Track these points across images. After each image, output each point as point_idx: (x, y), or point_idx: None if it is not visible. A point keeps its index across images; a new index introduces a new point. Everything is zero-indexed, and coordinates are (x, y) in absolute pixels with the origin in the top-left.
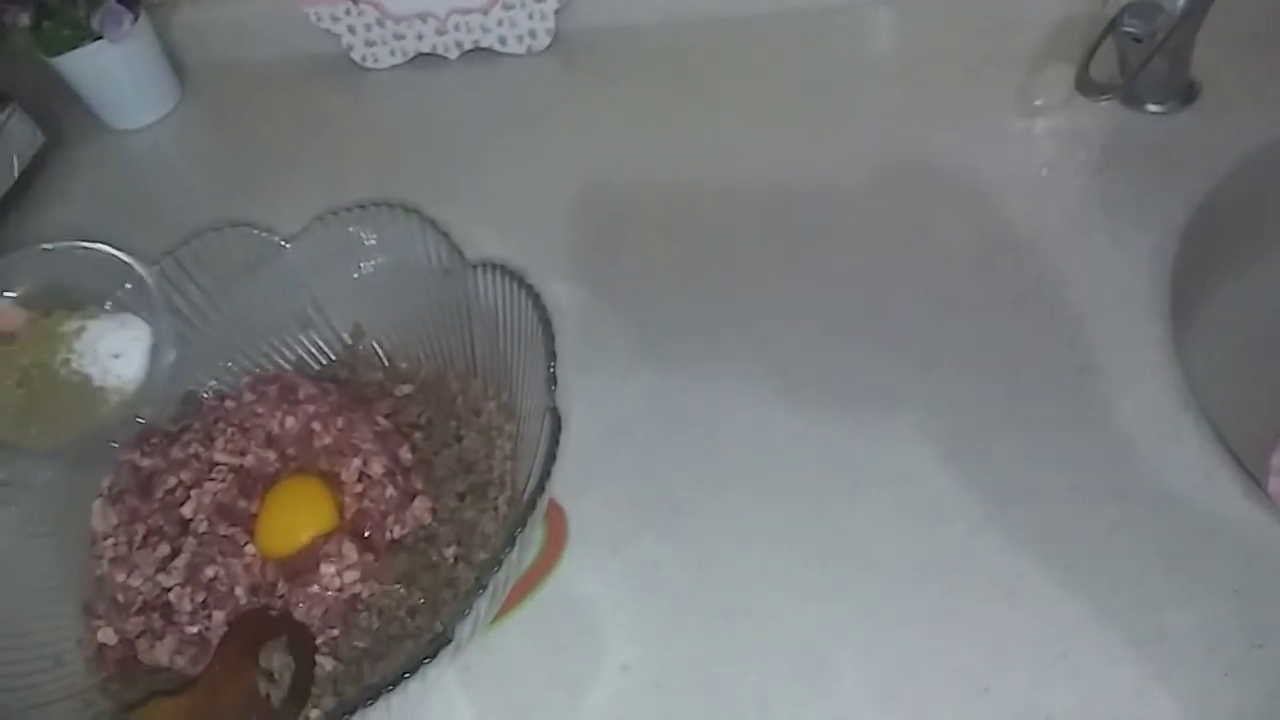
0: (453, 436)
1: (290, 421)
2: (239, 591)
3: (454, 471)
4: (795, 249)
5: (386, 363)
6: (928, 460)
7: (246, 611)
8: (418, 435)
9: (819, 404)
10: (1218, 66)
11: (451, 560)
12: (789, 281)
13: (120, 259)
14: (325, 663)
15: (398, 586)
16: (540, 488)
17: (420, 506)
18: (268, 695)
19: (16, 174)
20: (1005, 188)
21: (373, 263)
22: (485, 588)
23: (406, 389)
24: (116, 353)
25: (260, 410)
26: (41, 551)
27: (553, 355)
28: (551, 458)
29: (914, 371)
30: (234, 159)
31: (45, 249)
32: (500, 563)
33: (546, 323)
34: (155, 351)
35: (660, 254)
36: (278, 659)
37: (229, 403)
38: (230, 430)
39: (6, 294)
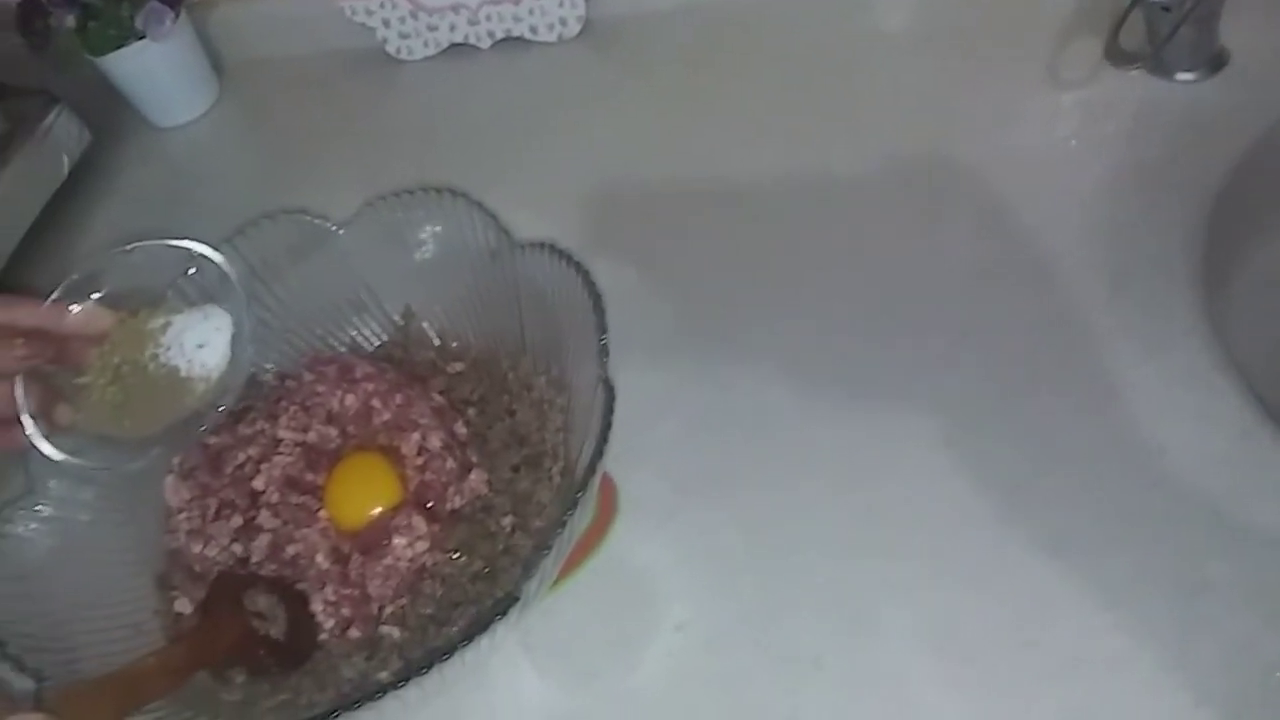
0: (505, 411)
1: (350, 399)
2: (320, 559)
3: (508, 444)
4: (830, 225)
5: (438, 342)
6: (969, 423)
7: (220, 573)
8: (471, 411)
9: (861, 372)
10: (1246, 33)
11: (509, 529)
12: (826, 256)
13: (201, 253)
14: (392, 631)
15: (459, 555)
16: (599, 452)
17: (477, 478)
18: (267, 632)
19: (66, 172)
20: (1036, 160)
21: (422, 246)
22: (550, 548)
23: (458, 366)
24: (201, 343)
25: (320, 389)
26: (118, 527)
27: (604, 328)
28: (608, 425)
29: (953, 338)
30: (274, 152)
31: (125, 250)
32: (564, 523)
33: (597, 297)
34: (236, 339)
35: (698, 233)
36: (262, 600)
37: (289, 382)
38: (292, 408)
39: (93, 296)
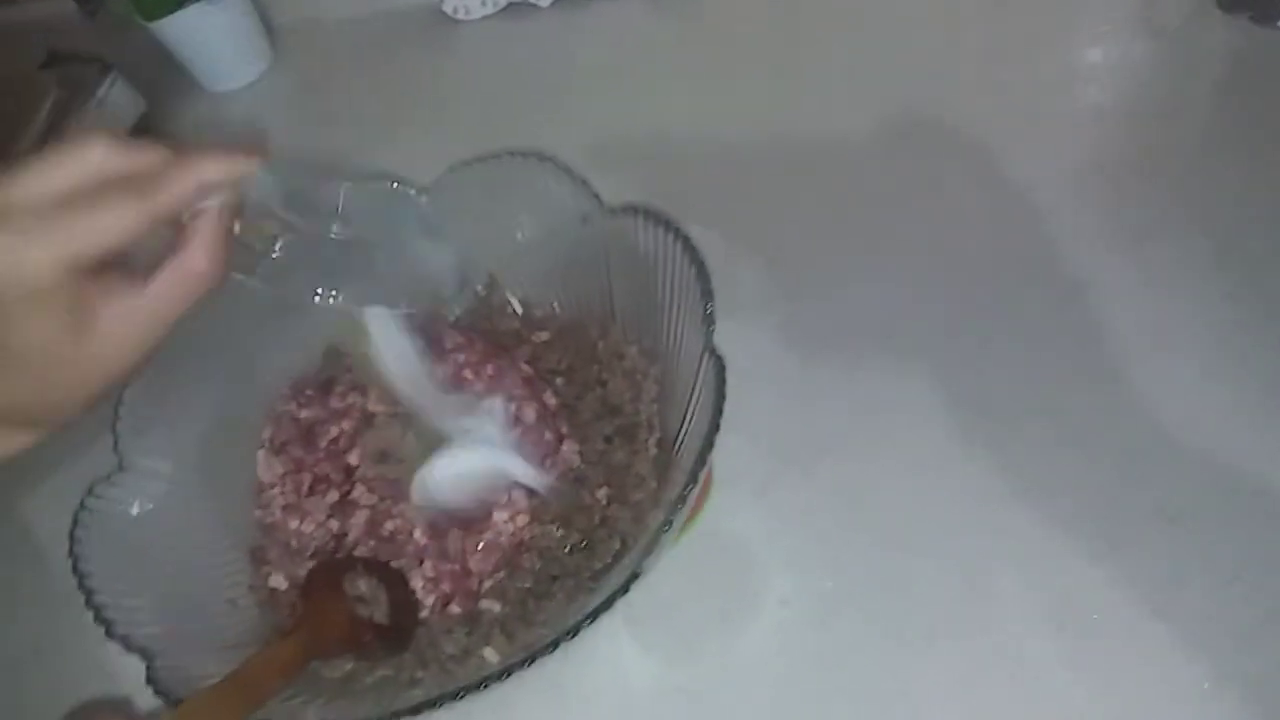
0: (595, 381)
1: (440, 370)
2: (418, 535)
3: (599, 415)
4: (917, 179)
5: (521, 311)
6: (1082, 391)
7: (317, 563)
8: (559, 381)
9: (964, 335)
10: None
11: (605, 501)
12: (918, 212)
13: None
14: (493, 606)
15: (556, 528)
16: (714, 425)
17: (569, 449)
18: (370, 616)
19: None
20: (1134, 110)
21: (507, 212)
22: (671, 523)
23: (544, 335)
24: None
25: None
26: (209, 500)
27: (709, 295)
28: (721, 397)
29: (1060, 299)
30: (331, 117)
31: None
32: (684, 498)
33: (699, 264)
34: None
35: (780, 192)
36: (362, 583)
37: None
38: None
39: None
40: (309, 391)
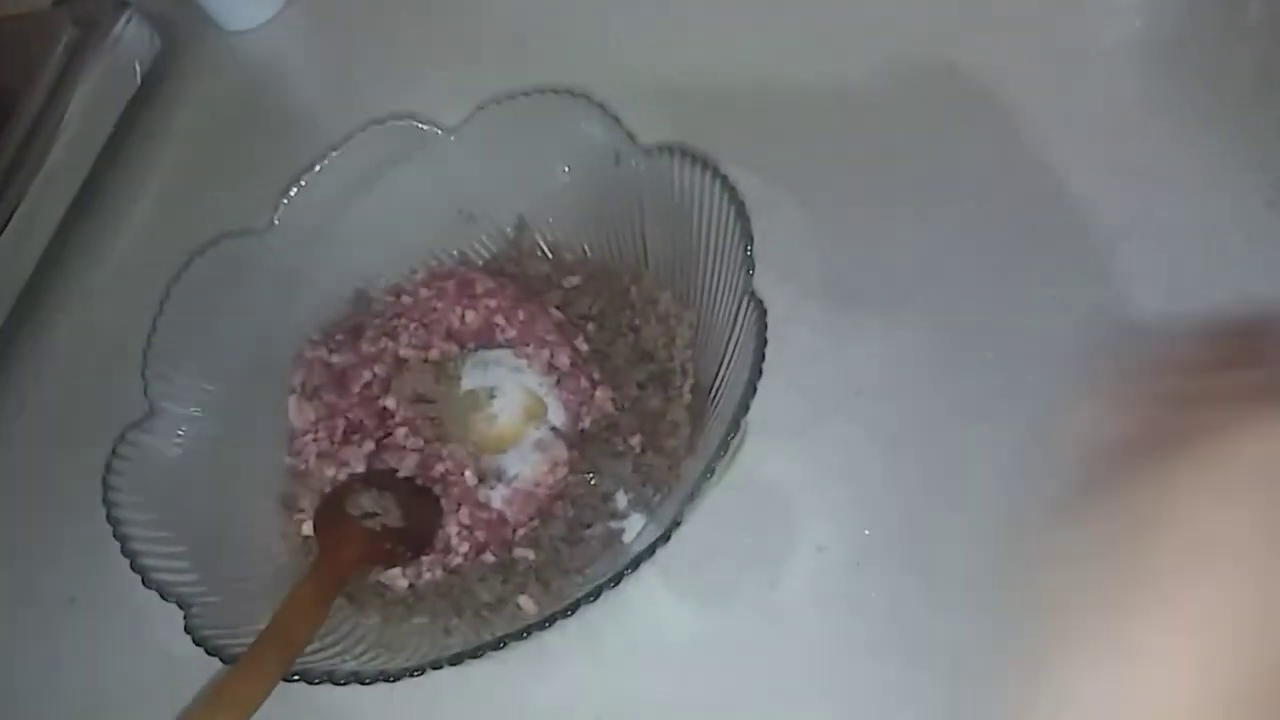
0: (627, 326)
1: (471, 315)
2: (468, 476)
3: (631, 361)
4: (966, 120)
5: (551, 255)
6: (1134, 335)
7: (320, 502)
8: (590, 326)
9: (1005, 280)
10: None
11: (638, 448)
12: (964, 154)
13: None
14: (527, 553)
15: (589, 475)
16: (757, 371)
17: (602, 396)
18: (384, 525)
19: (140, 80)
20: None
21: (537, 151)
22: (713, 471)
23: (574, 280)
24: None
25: (438, 305)
26: (238, 445)
27: (749, 238)
28: (763, 343)
29: (1110, 240)
30: (352, 55)
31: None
32: (727, 445)
33: (739, 205)
34: None
35: (818, 131)
36: (365, 499)
37: (405, 298)
38: (412, 325)
39: None
40: (339, 336)
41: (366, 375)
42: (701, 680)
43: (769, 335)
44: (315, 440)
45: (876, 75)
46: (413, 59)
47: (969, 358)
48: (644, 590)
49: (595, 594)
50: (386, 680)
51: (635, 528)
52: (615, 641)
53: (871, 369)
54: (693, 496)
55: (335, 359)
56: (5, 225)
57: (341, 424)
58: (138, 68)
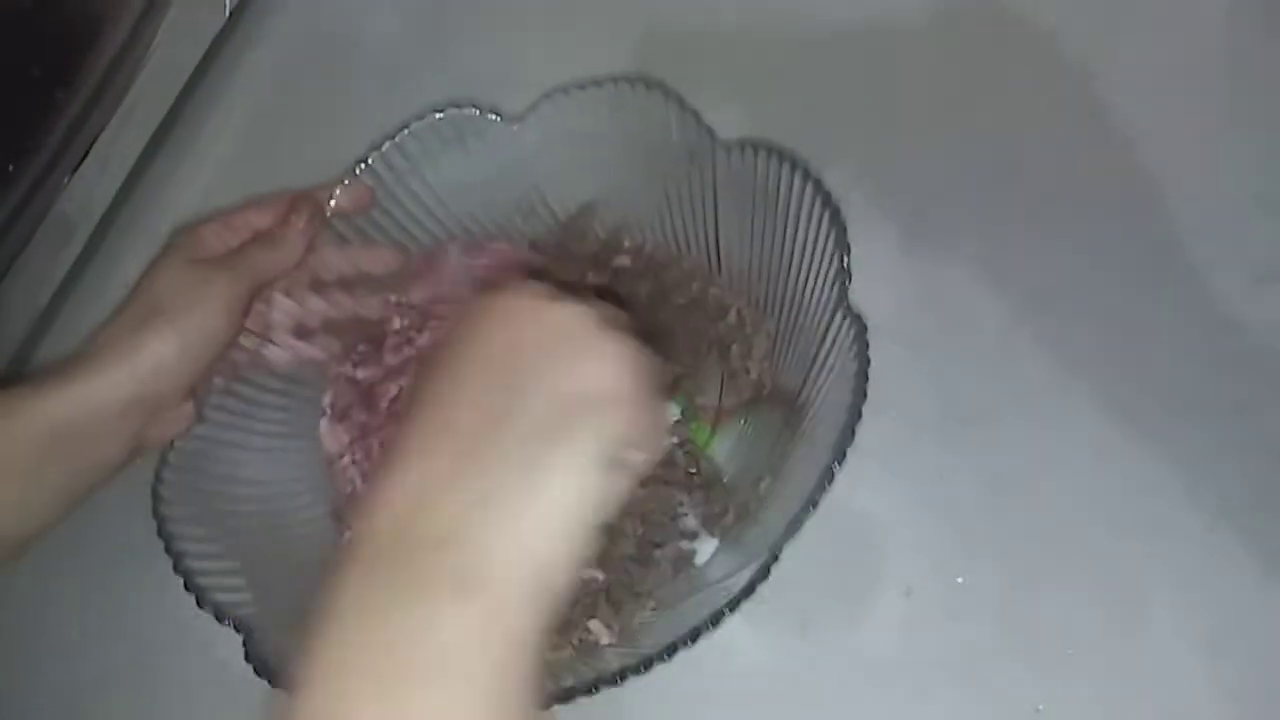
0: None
1: None
2: None
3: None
4: (1097, 132)
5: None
6: (1268, 388)
7: None
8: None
9: (1132, 311)
10: None
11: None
12: (1093, 169)
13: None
14: (595, 574)
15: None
16: (861, 394)
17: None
18: None
19: (228, 12)
20: None
21: (605, 143)
22: (815, 505)
23: (624, 260)
24: None
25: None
26: (294, 453)
27: (846, 247)
28: (865, 363)
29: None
30: (404, 32)
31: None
32: (831, 475)
33: (834, 210)
34: None
35: (927, 134)
36: None
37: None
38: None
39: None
40: (361, 348)
41: (392, 389)
42: (767, 713)
43: None
44: (354, 462)
45: (1001, 72)
46: (469, 39)
47: (1088, 396)
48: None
49: (692, 637)
50: None
51: (707, 551)
52: (684, 668)
53: (976, 397)
54: (793, 531)
55: (361, 374)
56: (85, 155)
57: (376, 443)
58: (226, 1)
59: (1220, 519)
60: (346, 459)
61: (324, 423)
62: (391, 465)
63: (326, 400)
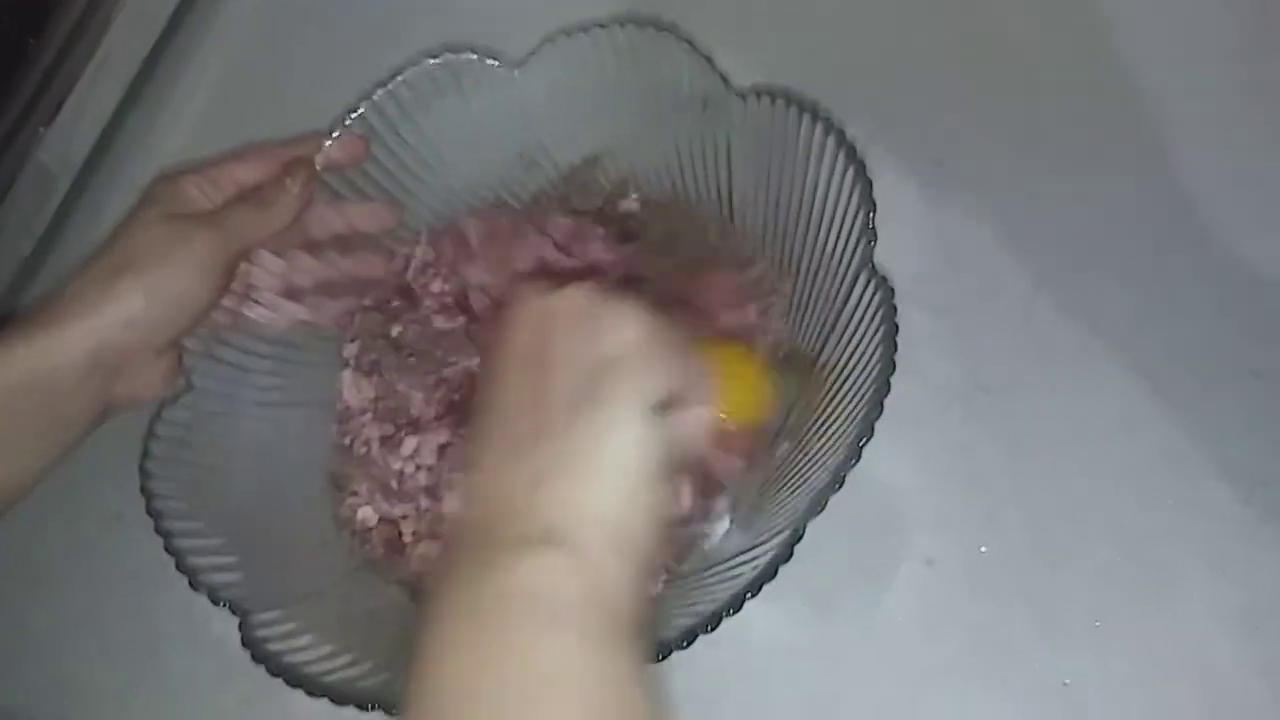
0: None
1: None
2: None
3: None
4: (1129, 86)
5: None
6: None
7: None
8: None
9: (1168, 272)
10: None
11: None
12: (1126, 125)
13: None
14: None
15: None
16: (889, 362)
17: None
18: None
19: None
20: None
21: (611, 90)
22: (842, 481)
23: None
24: None
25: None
26: (290, 423)
27: (871, 204)
28: (893, 328)
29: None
30: None
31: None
32: (859, 451)
33: (859, 164)
34: None
35: (954, 87)
36: None
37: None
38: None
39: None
40: (395, 303)
41: (452, 363)
42: (786, 691)
43: None
44: (376, 422)
45: (1028, 25)
46: None
47: (1116, 363)
48: None
49: (735, 607)
50: None
51: (722, 526)
52: (702, 639)
53: (1001, 365)
54: (817, 508)
55: (394, 330)
56: (56, 113)
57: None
58: None
59: (1253, 491)
60: (367, 415)
61: (346, 374)
62: (459, 486)
63: (350, 351)
